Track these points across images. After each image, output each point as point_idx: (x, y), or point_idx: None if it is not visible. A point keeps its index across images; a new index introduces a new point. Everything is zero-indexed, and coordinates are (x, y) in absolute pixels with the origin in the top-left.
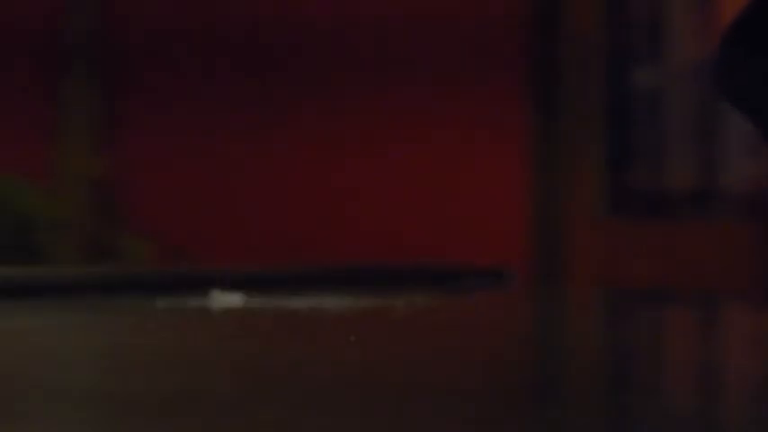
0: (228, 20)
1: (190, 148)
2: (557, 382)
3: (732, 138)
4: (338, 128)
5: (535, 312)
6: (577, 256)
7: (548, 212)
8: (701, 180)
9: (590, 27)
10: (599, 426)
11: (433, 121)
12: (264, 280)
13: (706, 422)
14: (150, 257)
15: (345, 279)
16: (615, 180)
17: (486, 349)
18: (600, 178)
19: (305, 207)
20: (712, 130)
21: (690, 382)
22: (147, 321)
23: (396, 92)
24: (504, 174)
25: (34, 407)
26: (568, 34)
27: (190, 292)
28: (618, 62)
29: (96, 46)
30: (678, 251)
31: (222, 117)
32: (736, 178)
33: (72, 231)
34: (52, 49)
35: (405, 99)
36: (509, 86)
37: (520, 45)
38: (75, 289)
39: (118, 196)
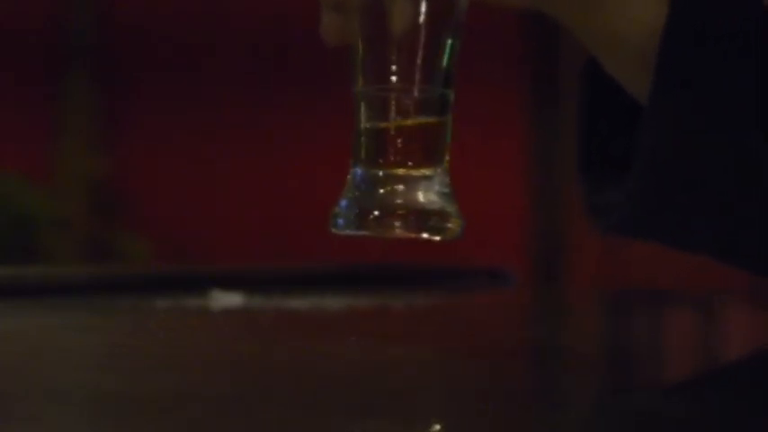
0: (229, 20)
1: (190, 148)
2: (557, 382)
3: None
4: (339, 128)
5: (535, 312)
6: (577, 256)
7: (547, 212)
8: None
9: None
10: (599, 426)
11: None
12: (264, 280)
13: (706, 422)
14: (150, 257)
15: (345, 279)
16: None
17: (486, 349)
18: None
19: (305, 207)
20: None
21: (690, 383)
22: (147, 321)
23: None
24: (504, 173)
25: (34, 407)
26: (569, 34)
27: (190, 292)
28: None
29: (96, 46)
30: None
31: (223, 117)
32: None
33: (72, 231)
34: (52, 49)
35: None
36: (508, 85)
37: (519, 43)
38: (75, 289)
39: (118, 196)
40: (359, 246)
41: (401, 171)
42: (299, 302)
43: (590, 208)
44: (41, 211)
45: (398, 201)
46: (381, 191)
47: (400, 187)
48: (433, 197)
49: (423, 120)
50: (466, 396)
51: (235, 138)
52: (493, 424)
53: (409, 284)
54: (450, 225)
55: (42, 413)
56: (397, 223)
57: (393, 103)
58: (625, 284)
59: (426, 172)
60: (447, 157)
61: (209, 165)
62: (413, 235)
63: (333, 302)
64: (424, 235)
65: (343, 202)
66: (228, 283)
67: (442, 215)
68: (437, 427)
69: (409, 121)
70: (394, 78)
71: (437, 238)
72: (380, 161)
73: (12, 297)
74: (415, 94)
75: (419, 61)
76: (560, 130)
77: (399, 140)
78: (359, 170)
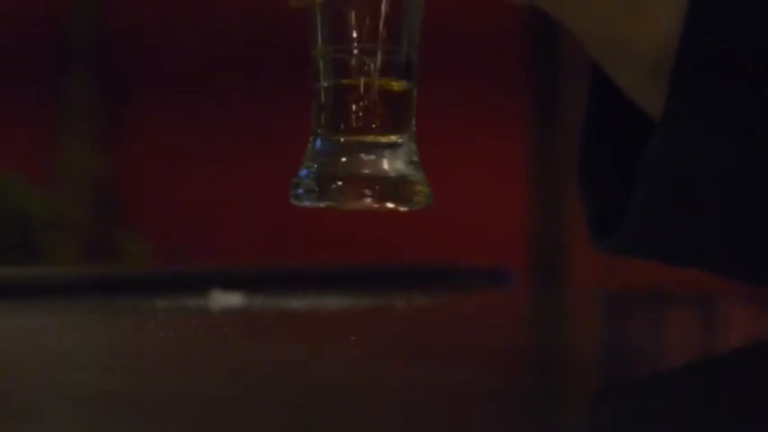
0: (229, 20)
1: (190, 148)
2: (557, 382)
3: None
4: None
5: (535, 312)
6: (577, 257)
7: (548, 212)
8: None
9: None
10: (599, 426)
11: (433, 121)
12: (264, 280)
13: (706, 422)
14: (150, 257)
15: (345, 279)
16: None
17: (485, 349)
18: None
19: (305, 207)
20: None
21: (690, 383)
22: (147, 321)
23: None
24: (504, 173)
25: (34, 407)
26: (569, 36)
27: (190, 292)
28: None
29: (96, 46)
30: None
31: (222, 117)
32: None
33: (72, 231)
34: (52, 49)
35: None
36: (509, 86)
37: (520, 45)
38: (75, 289)
39: (118, 196)
40: (358, 246)
41: (365, 137)
42: (299, 302)
43: (589, 222)
44: (42, 211)
45: (363, 169)
46: (344, 159)
47: (364, 155)
48: (400, 165)
49: (387, 82)
50: (466, 396)
51: (234, 138)
52: (493, 424)
53: (409, 284)
54: (418, 194)
55: (42, 413)
56: (362, 192)
57: (355, 64)
58: (625, 284)
59: (392, 138)
60: (414, 126)
61: (209, 165)
62: (378, 206)
63: (333, 302)
64: (390, 205)
65: (304, 172)
66: (228, 283)
67: (409, 184)
68: (438, 426)
69: (373, 83)
70: (356, 38)
71: (404, 208)
72: (342, 127)
73: (12, 297)
74: (379, 54)
75: (383, 19)
76: (561, 132)
77: (362, 104)
78: (319, 138)
